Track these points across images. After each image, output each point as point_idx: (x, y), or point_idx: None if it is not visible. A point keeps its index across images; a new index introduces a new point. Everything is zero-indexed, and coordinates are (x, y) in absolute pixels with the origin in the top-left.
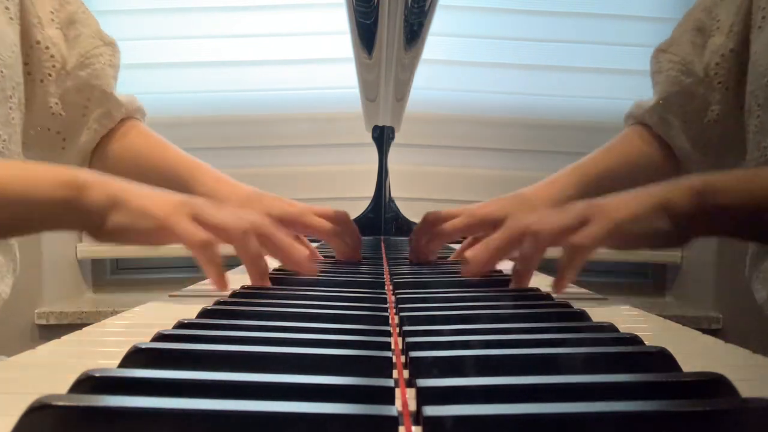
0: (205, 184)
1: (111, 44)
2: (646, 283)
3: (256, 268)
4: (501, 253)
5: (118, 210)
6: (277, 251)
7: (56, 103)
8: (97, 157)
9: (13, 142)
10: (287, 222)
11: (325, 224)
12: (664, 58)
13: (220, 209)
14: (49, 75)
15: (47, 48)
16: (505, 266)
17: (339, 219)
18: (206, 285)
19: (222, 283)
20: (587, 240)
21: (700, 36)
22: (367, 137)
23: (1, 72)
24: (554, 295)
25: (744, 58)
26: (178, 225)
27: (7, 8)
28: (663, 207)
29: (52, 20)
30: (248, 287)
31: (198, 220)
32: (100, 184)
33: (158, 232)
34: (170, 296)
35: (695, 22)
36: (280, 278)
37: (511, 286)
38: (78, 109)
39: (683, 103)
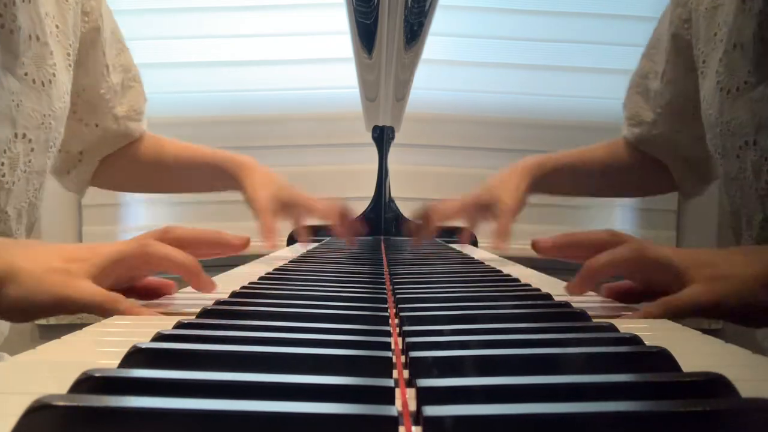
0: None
1: (146, 101)
2: None
3: (187, 268)
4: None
5: (12, 283)
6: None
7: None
8: (123, 161)
9: (42, 189)
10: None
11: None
12: (624, 124)
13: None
14: (96, 125)
15: (109, 98)
16: (506, 267)
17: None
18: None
19: (137, 311)
20: (683, 307)
21: (644, 100)
22: (367, 137)
23: (50, 123)
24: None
25: (678, 104)
26: (77, 295)
27: (68, 54)
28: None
29: (115, 66)
30: (248, 287)
31: (102, 272)
32: None
33: (57, 307)
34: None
35: (640, 72)
36: (281, 278)
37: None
38: (108, 147)
39: (648, 143)
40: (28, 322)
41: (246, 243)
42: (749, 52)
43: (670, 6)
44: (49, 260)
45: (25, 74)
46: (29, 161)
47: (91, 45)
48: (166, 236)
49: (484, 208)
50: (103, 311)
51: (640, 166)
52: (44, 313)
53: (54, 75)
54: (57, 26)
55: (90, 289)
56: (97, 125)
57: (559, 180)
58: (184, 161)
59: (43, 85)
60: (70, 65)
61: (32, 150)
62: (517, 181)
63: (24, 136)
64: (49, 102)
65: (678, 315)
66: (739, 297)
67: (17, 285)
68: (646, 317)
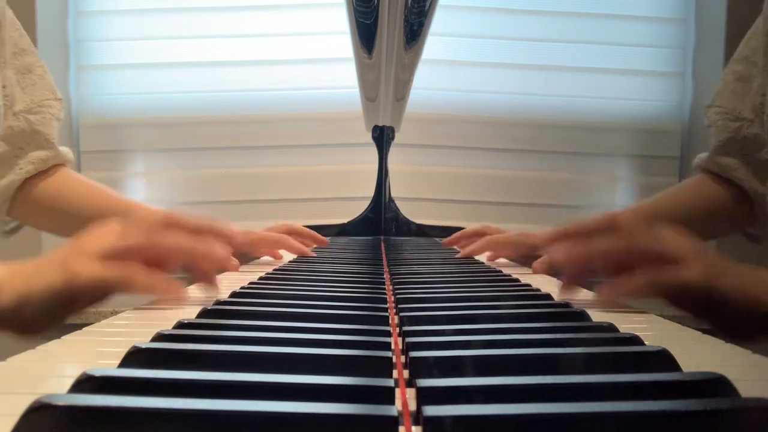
0: None
1: (60, 100)
2: None
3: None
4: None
5: (27, 305)
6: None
7: None
8: (22, 195)
9: None
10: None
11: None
12: (711, 111)
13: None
14: None
15: (4, 87)
16: (506, 267)
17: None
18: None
19: (173, 294)
20: (670, 283)
21: (741, 84)
22: (367, 137)
23: None
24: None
25: None
26: (86, 277)
27: None
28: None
29: (12, 64)
30: (248, 287)
31: (108, 255)
32: (8, 283)
33: (74, 298)
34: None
35: (734, 74)
36: (281, 278)
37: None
38: (13, 150)
39: (737, 146)
40: (39, 334)
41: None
42: None
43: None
44: (42, 260)
45: None
46: None
47: None
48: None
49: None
50: (113, 287)
51: (727, 194)
52: (45, 313)
53: None
54: None
55: (91, 267)
56: None
57: None
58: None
59: None
60: None
61: None
62: None
63: None
64: None
65: (662, 293)
66: (733, 290)
67: (5, 292)
68: (629, 292)
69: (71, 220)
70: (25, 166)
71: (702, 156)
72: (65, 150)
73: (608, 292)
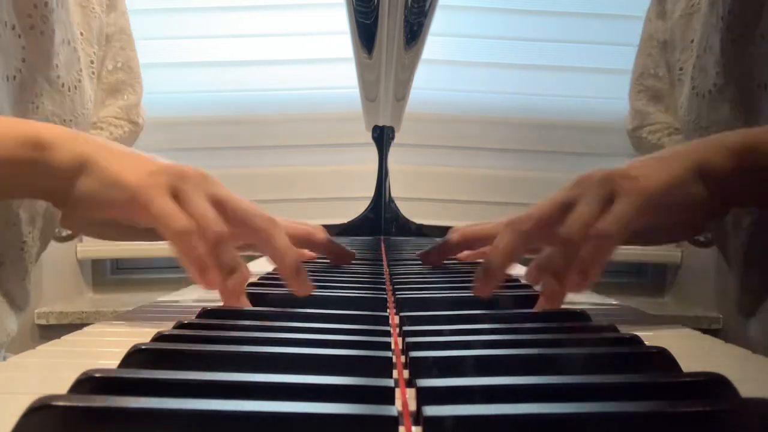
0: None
1: (135, 123)
2: (645, 283)
3: (213, 276)
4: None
5: (86, 174)
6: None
7: None
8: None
9: None
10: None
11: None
12: (645, 132)
13: (212, 186)
14: (69, 120)
15: (91, 102)
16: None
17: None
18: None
19: (209, 281)
20: (615, 226)
21: (659, 101)
22: (367, 137)
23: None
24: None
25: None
26: (153, 202)
27: (91, 62)
28: (699, 170)
29: (102, 80)
30: (248, 287)
31: (181, 197)
32: (68, 142)
33: (129, 206)
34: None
35: (648, 91)
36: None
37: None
38: None
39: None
40: (102, 217)
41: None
42: (716, 54)
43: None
44: (139, 163)
45: (58, 77)
46: None
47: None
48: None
49: None
50: (176, 240)
51: None
52: (115, 213)
53: (80, 81)
54: (82, 33)
55: (169, 208)
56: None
57: None
58: None
59: (69, 90)
60: (93, 73)
61: None
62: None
63: None
64: (72, 107)
65: (615, 233)
66: (673, 192)
67: (92, 177)
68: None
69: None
70: None
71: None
72: None
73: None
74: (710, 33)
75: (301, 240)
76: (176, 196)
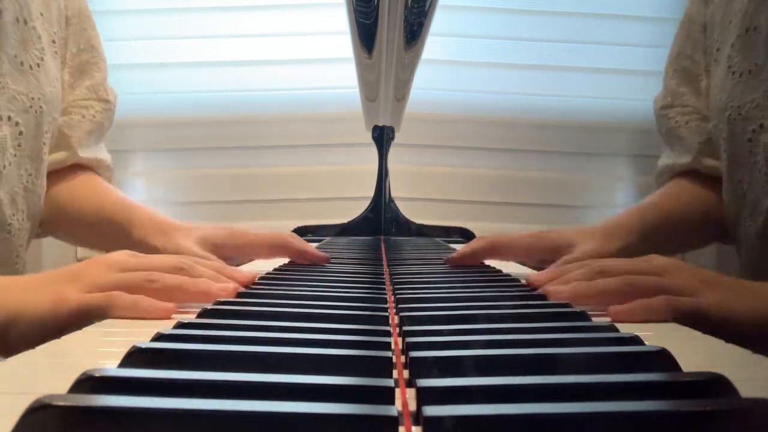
0: (140, 226)
1: (105, 101)
2: None
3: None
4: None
5: (16, 325)
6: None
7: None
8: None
9: (39, 176)
10: (232, 243)
11: (267, 236)
12: (675, 112)
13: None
14: (56, 122)
15: (63, 89)
16: (506, 267)
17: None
18: None
19: (167, 312)
20: (685, 309)
21: (692, 83)
22: (367, 137)
23: (41, 107)
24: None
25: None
26: (75, 302)
27: (53, 41)
28: None
29: (69, 65)
30: (248, 287)
31: (99, 288)
32: None
33: (62, 323)
34: None
35: (683, 72)
36: (281, 278)
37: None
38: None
39: (714, 147)
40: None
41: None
42: (763, 34)
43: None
44: (30, 279)
45: (15, 56)
46: (19, 145)
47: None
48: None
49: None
50: (97, 312)
51: (712, 194)
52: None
53: (42, 59)
54: (41, 14)
55: (77, 294)
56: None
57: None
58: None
59: (31, 68)
60: (56, 52)
61: (21, 134)
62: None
63: (9, 119)
64: (37, 85)
65: (681, 316)
66: (752, 316)
67: (21, 322)
68: (643, 315)
69: (78, 225)
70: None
71: (674, 165)
72: (97, 159)
73: (624, 315)
74: (755, 12)
75: (276, 248)
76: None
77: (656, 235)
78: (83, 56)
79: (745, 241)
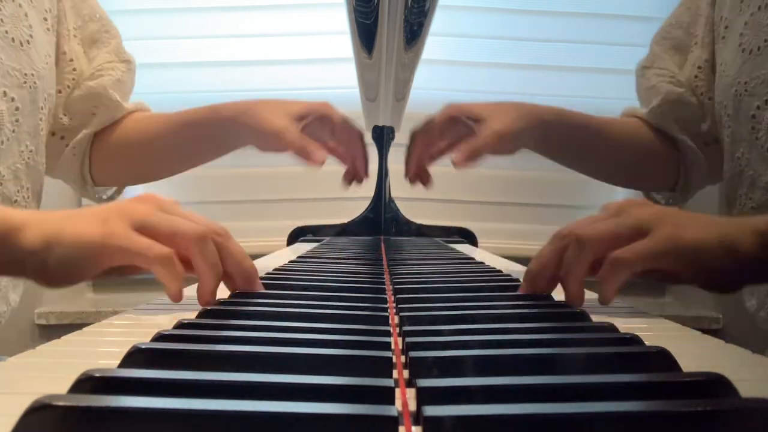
0: (230, 108)
1: (127, 62)
2: (646, 283)
3: (213, 278)
4: (550, 263)
5: (55, 248)
6: (230, 258)
7: (64, 114)
8: (100, 155)
9: (39, 153)
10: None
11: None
12: (651, 73)
13: (168, 212)
14: (68, 87)
15: (71, 60)
16: (506, 267)
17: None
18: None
19: (179, 297)
20: (636, 257)
21: (678, 54)
22: (367, 137)
23: (35, 83)
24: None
25: (709, 69)
26: (125, 241)
27: (45, 18)
28: (729, 243)
29: (75, 36)
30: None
31: (145, 229)
32: (36, 224)
33: (103, 256)
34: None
35: (673, 41)
36: (281, 278)
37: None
38: (84, 117)
39: (678, 111)
40: (87, 280)
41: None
42: None
43: None
44: (79, 211)
45: (6, 32)
46: (16, 120)
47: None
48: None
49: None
50: (159, 266)
51: (654, 148)
52: (94, 270)
53: (31, 36)
54: None
55: (142, 241)
56: (67, 88)
57: (569, 141)
58: (174, 126)
59: (22, 45)
60: (48, 29)
61: (17, 109)
62: (518, 119)
63: (5, 94)
64: (29, 61)
65: (633, 263)
66: (700, 251)
67: (62, 247)
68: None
69: (152, 158)
70: (90, 127)
71: (637, 110)
72: (138, 102)
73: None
74: None
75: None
76: (141, 228)
77: (573, 137)
78: (91, 26)
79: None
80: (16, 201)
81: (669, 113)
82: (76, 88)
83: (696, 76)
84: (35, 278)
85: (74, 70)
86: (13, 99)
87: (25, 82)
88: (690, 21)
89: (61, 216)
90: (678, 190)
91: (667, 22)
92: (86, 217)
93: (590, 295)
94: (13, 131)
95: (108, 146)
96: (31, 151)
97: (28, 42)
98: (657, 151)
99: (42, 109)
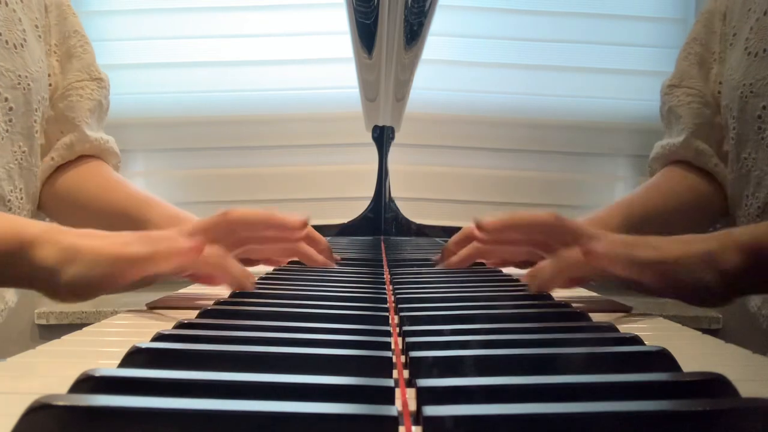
0: (157, 224)
1: (98, 79)
2: None
3: (237, 276)
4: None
5: (71, 263)
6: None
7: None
8: (47, 187)
9: (33, 155)
10: (256, 222)
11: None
12: (680, 92)
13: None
14: (46, 102)
15: (50, 75)
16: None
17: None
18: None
19: (247, 281)
20: (610, 256)
21: (703, 69)
22: (367, 137)
23: (29, 85)
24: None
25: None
26: (153, 248)
27: (36, 26)
28: (711, 259)
29: (55, 52)
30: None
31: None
32: (51, 238)
33: (122, 271)
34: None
35: (696, 56)
36: (280, 278)
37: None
38: (51, 140)
39: (709, 133)
40: (97, 296)
41: (304, 224)
42: None
43: None
44: (109, 239)
45: (0, 34)
46: (9, 121)
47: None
48: (225, 218)
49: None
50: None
51: (700, 190)
52: (109, 285)
53: (25, 40)
54: (21, 0)
55: (143, 247)
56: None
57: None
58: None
59: (15, 48)
60: (39, 36)
61: (11, 109)
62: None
63: None
64: (23, 64)
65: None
66: (679, 264)
67: (77, 263)
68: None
69: (88, 216)
70: (52, 154)
71: (668, 145)
72: (104, 139)
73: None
74: None
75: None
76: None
77: (642, 231)
78: (69, 42)
79: (744, 220)
80: (9, 201)
81: (705, 141)
82: (49, 108)
83: (719, 92)
84: (44, 291)
85: (50, 85)
86: (6, 99)
87: (18, 84)
88: (707, 38)
89: (79, 235)
90: (732, 213)
91: (687, 38)
92: (107, 237)
93: (587, 294)
94: (7, 131)
95: (57, 185)
96: (24, 152)
97: (21, 45)
98: (702, 192)
99: (36, 111)
